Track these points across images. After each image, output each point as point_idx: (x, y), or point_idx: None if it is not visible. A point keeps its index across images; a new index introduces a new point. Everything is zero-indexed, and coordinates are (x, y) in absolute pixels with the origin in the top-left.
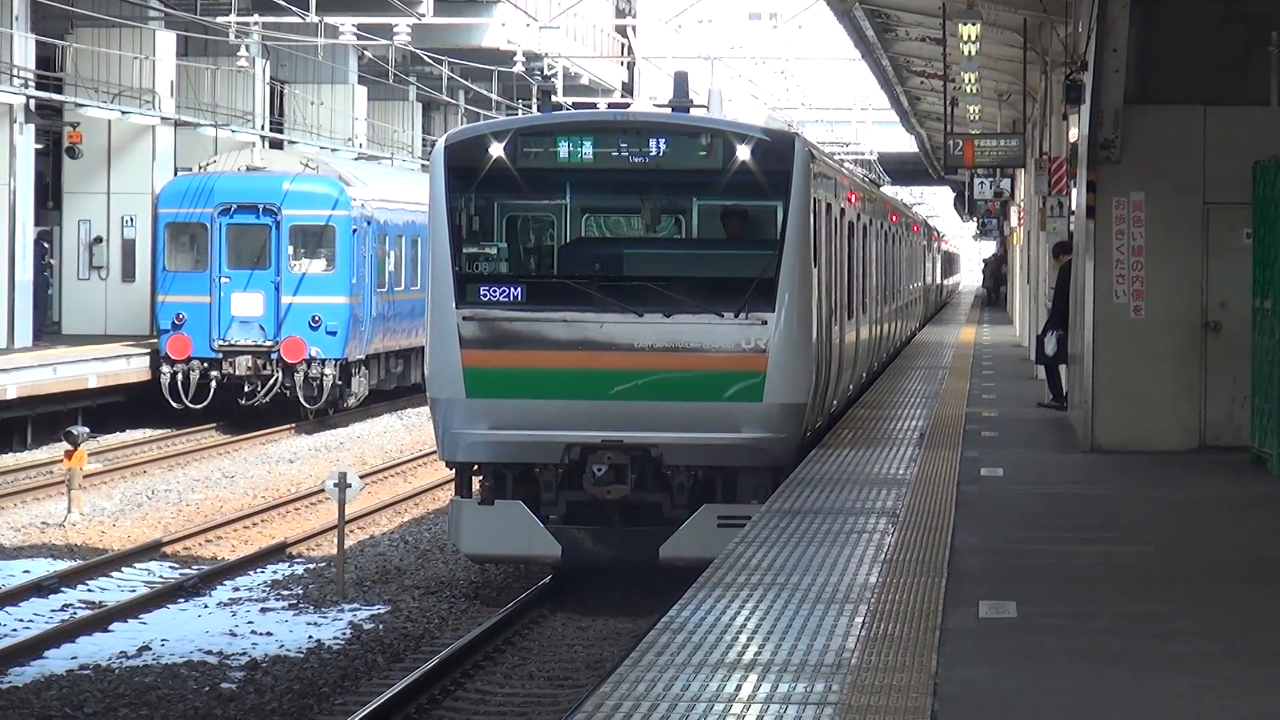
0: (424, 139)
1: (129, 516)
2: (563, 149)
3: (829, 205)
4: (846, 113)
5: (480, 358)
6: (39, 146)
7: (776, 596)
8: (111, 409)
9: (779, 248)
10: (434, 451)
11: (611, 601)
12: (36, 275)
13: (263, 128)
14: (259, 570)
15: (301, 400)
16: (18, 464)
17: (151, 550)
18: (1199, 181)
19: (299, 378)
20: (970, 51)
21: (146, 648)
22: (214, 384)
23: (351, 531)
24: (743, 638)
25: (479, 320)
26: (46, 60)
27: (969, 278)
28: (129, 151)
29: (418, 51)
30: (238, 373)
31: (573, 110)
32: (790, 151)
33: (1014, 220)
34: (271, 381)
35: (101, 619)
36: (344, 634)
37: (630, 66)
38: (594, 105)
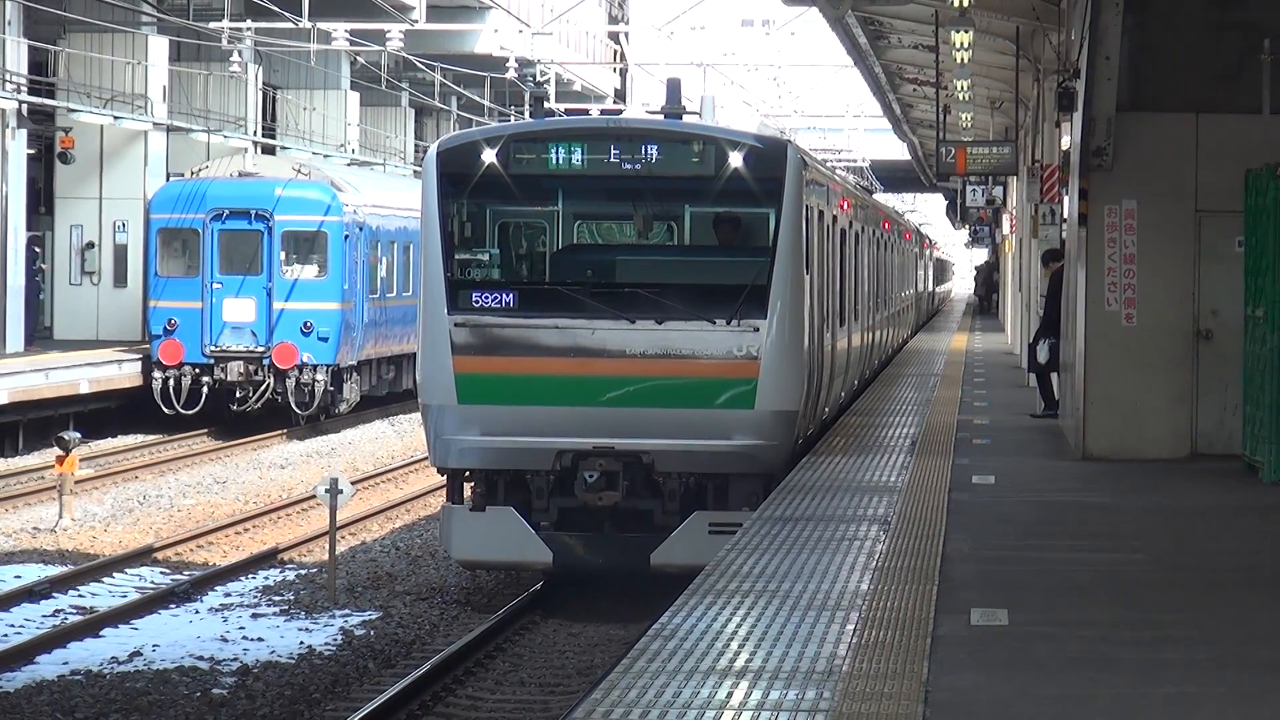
0: (416, 145)
1: (121, 522)
2: (555, 155)
3: (821, 212)
4: (839, 120)
5: (472, 364)
6: (31, 151)
7: (768, 604)
8: (103, 414)
9: (771, 255)
10: (425, 458)
11: (603, 608)
12: (28, 280)
13: (255, 133)
14: (250, 576)
15: (293, 406)
16: (9, 469)
17: (143, 556)
18: (1191, 189)
19: (291, 384)
20: (963, 59)
21: (138, 653)
22: (206, 389)
23: (343, 537)
24: (734, 645)
25: (471, 326)
26: (39, 65)
27: (961, 285)
28: (121, 157)
29: (410, 57)
30: (229, 378)
31: (565, 117)
32: (782, 159)
33: (1006, 228)
34: (263, 387)
35: (93, 624)
36: (335, 640)
37: (623, 73)
38: (586, 112)
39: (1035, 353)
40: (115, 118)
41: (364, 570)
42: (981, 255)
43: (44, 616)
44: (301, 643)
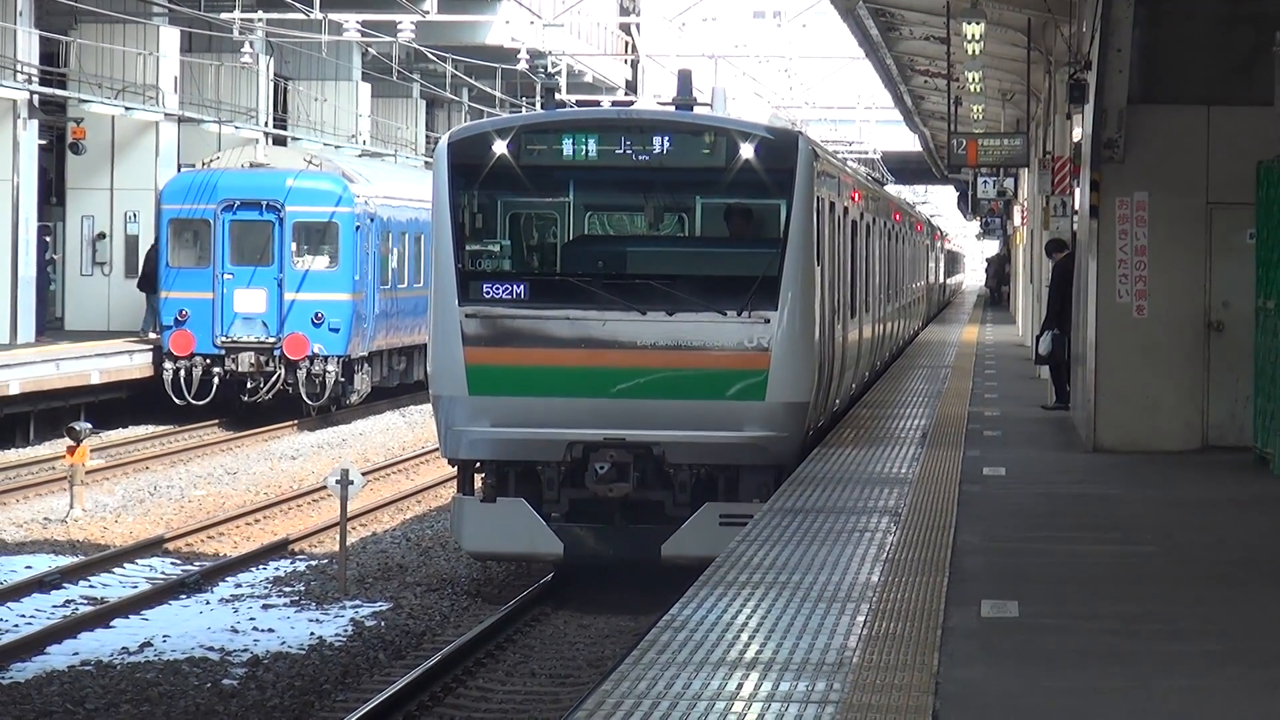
0: (428, 136)
1: (131, 512)
2: (566, 147)
3: (832, 204)
4: (850, 111)
5: (483, 355)
6: (42, 142)
7: (778, 595)
8: (114, 405)
9: (782, 246)
10: (436, 449)
11: (613, 599)
12: (39, 271)
13: (266, 124)
14: (261, 567)
15: (304, 397)
16: (20, 459)
17: (153, 546)
18: (1202, 182)
19: (302, 374)
20: (974, 51)
21: (148, 644)
22: (217, 380)
23: (353, 528)
24: (744, 636)
25: (482, 317)
26: (50, 56)
27: (972, 277)
28: (132, 147)
29: (422, 49)
30: (240, 369)
31: (576, 108)
32: (794, 150)
33: (1017, 220)
34: (274, 378)
35: (103, 615)
36: (346, 631)
37: (634, 65)
38: (598, 103)
39: (1038, 344)
40: (126, 108)
41: (374, 561)
42: (993, 247)
43: (54, 607)
44: (312, 634)
